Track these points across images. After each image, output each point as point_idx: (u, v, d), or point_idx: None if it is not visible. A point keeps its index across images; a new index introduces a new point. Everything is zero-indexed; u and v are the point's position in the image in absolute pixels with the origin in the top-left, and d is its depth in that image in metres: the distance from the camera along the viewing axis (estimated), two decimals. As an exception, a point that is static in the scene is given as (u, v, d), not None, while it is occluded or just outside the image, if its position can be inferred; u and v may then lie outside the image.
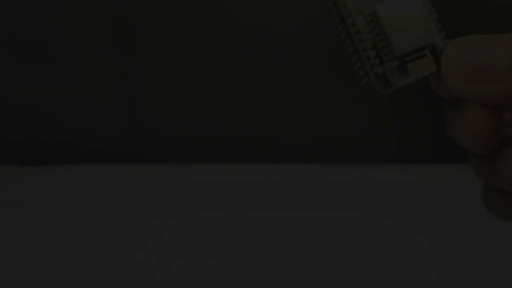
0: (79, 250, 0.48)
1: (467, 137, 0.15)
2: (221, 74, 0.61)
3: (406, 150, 0.64)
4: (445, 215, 0.52)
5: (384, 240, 0.48)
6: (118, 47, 0.59)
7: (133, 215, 0.54)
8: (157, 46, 0.59)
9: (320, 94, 0.62)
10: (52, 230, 0.51)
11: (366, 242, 0.48)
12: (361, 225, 0.51)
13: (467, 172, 0.20)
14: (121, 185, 0.60)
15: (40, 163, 0.65)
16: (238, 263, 0.45)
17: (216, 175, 0.63)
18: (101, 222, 0.53)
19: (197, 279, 0.43)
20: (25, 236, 0.50)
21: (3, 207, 0.55)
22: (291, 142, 0.65)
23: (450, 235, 0.49)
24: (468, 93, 0.15)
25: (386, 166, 0.63)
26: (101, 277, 0.44)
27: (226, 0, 0.57)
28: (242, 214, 0.53)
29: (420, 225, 0.50)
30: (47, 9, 0.58)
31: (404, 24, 0.17)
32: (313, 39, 0.59)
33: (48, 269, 0.45)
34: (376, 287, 0.42)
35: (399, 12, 0.18)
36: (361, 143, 0.65)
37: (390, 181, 0.60)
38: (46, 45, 0.59)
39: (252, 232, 0.50)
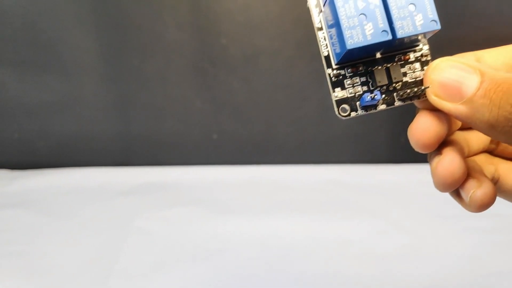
0: (74, 253, 0.48)
1: (411, 135, 0.20)
2: (215, 75, 0.61)
3: (405, 150, 0.63)
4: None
5: (384, 240, 0.48)
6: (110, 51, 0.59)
7: (127, 217, 0.53)
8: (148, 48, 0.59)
9: (318, 94, 0.61)
10: (46, 233, 0.51)
11: (365, 242, 0.48)
12: (361, 225, 0.50)
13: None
14: (114, 188, 0.60)
15: (32, 167, 0.65)
16: (236, 263, 0.45)
17: (212, 176, 0.63)
18: (95, 224, 0.52)
19: (193, 281, 0.43)
20: (19, 239, 0.50)
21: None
22: (287, 143, 0.64)
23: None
24: (439, 106, 0.18)
25: (385, 166, 0.63)
26: (98, 278, 0.43)
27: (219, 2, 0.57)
28: (240, 215, 0.53)
29: (419, 225, 0.50)
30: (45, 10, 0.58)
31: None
32: (308, 40, 0.58)
33: (44, 271, 0.45)
34: (376, 287, 0.42)
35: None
36: (360, 143, 0.64)
37: (390, 181, 0.59)
38: (40, 50, 0.59)
39: (250, 232, 0.50)
